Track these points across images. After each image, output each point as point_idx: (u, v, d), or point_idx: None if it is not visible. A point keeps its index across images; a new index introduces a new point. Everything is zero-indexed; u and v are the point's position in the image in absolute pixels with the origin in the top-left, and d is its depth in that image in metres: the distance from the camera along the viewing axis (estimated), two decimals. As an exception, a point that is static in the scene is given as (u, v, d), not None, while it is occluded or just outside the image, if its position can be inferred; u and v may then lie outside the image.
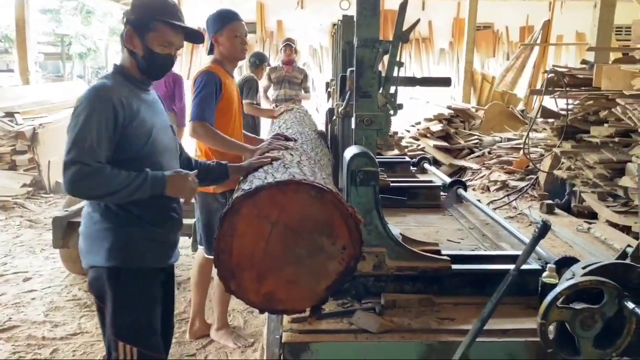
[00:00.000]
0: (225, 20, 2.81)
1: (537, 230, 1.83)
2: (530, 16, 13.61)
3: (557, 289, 1.99)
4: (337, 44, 3.77)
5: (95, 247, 1.88)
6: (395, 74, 2.60)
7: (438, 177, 4.60)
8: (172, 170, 1.91)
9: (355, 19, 2.54)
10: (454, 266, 2.50)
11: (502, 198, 5.08)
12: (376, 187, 2.48)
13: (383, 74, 2.58)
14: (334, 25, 4.89)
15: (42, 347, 3.03)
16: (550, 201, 4.60)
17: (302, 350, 2.15)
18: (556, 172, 4.56)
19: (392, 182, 3.94)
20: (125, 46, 1.92)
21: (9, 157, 6.35)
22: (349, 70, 2.69)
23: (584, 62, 4.60)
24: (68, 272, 4.04)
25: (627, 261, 2.15)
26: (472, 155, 6.70)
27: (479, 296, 2.19)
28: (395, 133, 7.10)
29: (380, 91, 2.58)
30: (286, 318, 2.34)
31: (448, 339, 2.12)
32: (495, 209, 4.86)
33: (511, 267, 2.57)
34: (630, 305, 1.92)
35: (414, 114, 8.02)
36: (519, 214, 5.06)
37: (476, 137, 7.05)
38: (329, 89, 4.28)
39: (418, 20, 2.62)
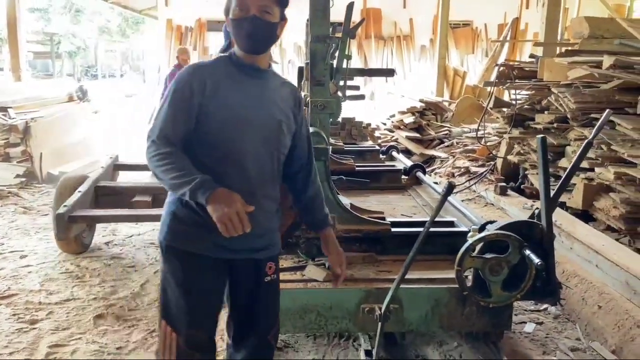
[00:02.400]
0: None
1: (444, 189, 2.24)
2: (508, 14, 14.07)
3: (469, 241, 2.42)
4: (306, 41, 4.15)
5: (162, 222, 1.87)
6: (344, 65, 3.02)
7: (403, 163, 5.03)
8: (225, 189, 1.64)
9: (309, 18, 2.95)
10: (394, 229, 2.94)
11: (463, 183, 5.51)
12: (327, 162, 2.92)
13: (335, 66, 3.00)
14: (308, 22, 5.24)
15: (39, 310, 3.41)
16: (503, 184, 5.06)
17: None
18: (509, 157, 4.99)
19: (358, 166, 4.37)
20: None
21: (2, 150, 6.69)
22: (304, 62, 3.09)
23: (531, 56, 5.03)
24: (60, 250, 4.42)
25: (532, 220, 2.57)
26: (441, 145, 7.13)
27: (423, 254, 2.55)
28: (369, 125, 7.52)
29: (332, 80, 2.99)
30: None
31: (383, 286, 2.55)
32: (456, 192, 5.32)
33: (442, 229, 3.04)
34: (530, 254, 2.34)
35: (390, 107, 8.46)
36: (477, 196, 5.52)
37: (446, 128, 7.48)
38: (299, 82, 4.69)
39: (363, 20, 3.05)
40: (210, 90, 1.73)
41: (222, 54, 1.88)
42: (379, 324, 2.43)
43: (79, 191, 4.25)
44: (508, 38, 9.18)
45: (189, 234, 1.79)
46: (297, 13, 12.14)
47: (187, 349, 1.81)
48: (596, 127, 2.56)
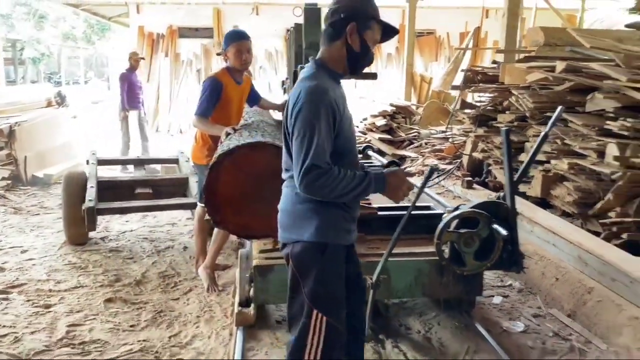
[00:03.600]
0: (231, 39, 3.61)
1: (426, 173, 2.65)
2: (469, 23, 14.76)
3: (447, 217, 2.84)
4: (290, 47, 4.51)
5: (304, 224, 2.00)
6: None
7: (378, 160, 5.45)
8: (388, 170, 2.02)
9: (303, 27, 3.33)
10: (380, 213, 3.34)
11: (433, 179, 5.96)
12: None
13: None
14: (288, 30, 5.61)
15: (51, 297, 3.67)
16: (470, 178, 5.54)
17: (269, 271, 2.93)
18: (474, 154, 5.48)
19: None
20: (344, 41, 1.98)
21: (-13, 154, 6.83)
22: (299, 66, 3.46)
23: (494, 62, 5.54)
24: (60, 245, 4.66)
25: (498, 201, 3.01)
26: (411, 146, 7.60)
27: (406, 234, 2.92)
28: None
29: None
30: (255, 250, 3.12)
31: (373, 260, 2.94)
32: (428, 186, 5.78)
33: (421, 212, 3.46)
34: (497, 227, 2.77)
35: (362, 111, 8.92)
36: (446, 190, 5.99)
37: (415, 130, 7.97)
38: (284, 86, 5.04)
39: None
40: (342, 108, 1.94)
41: (310, 70, 2.01)
42: (371, 292, 2.82)
43: (91, 186, 4.57)
44: (470, 45, 9.78)
45: (343, 229, 2.04)
46: (267, 22, 12.60)
47: (342, 331, 2.03)
48: (550, 121, 3.03)
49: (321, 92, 1.88)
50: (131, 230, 5.24)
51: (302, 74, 2.04)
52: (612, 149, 3.63)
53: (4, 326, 3.23)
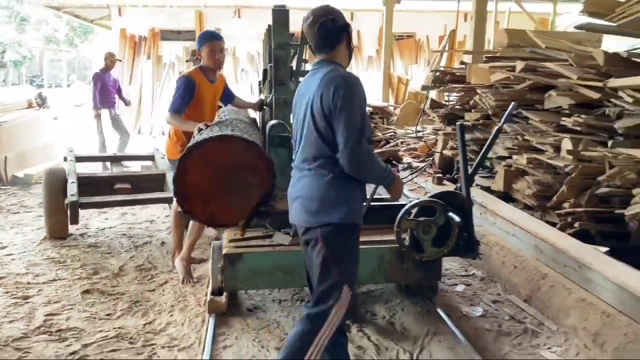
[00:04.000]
0: (205, 39, 3.75)
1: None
2: (448, 26, 15.05)
3: (406, 207, 3.02)
4: (265, 48, 4.66)
5: (334, 208, 2.21)
6: (302, 68, 3.58)
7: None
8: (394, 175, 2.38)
9: (272, 28, 3.49)
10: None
11: (406, 176, 6.15)
12: (290, 148, 3.46)
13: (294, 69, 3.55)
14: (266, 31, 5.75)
15: (29, 289, 3.78)
16: (440, 175, 5.73)
17: (237, 260, 3.08)
18: (445, 151, 5.68)
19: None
20: (346, 43, 2.35)
21: (-33, 153, 6.88)
22: (268, 65, 3.63)
23: (462, 63, 5.76)
24: (39, 241, 4.77)
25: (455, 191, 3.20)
26: (387, 145, 7.80)
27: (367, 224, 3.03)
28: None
29: (292, 80, 3.54)
30: (225, 239, 3.27)
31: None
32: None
33: (385, 204, 3.63)
34: (452, 215, 2.96)
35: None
36: (418, 187, 6.19)
37: (392, 130, 8.18)
38: (260, 86, 5.20)
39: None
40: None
41: (331, 65, 2.28)
42: (335, 278, 2.99)
43: (72, 181, 4.72)
44: (447, 48, 10.03)
45: (361, 212, 2.34)
46: (249, 25, 12.74)
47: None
48: (504, 116, 3.23)
49: (358, 80, 2.21)
50: (110, 227, 5.35)
51: (324, 70, 2.25)
52: (566, 144, 3.84)
53: (-17, 316, 3.34)
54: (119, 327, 3.26)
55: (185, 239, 4.08)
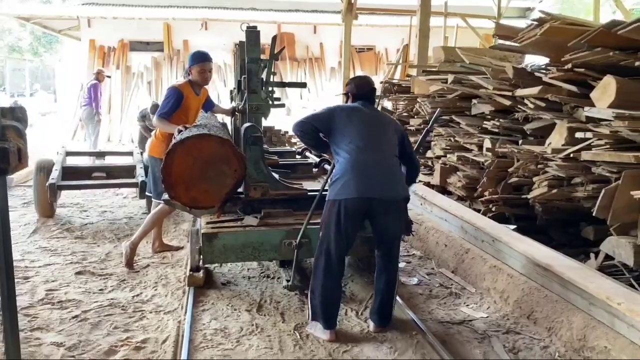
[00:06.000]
0: (196, 59, 4.33)
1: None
2: (405, 40, 16.00)
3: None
4: (236, 61, 5.22)
5: (405, 185, 3.32)
6: (271, 79, 4.25)
7: (313, 159, 6.28)
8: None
9: (245, 45, 4.12)
10: (309, 193, 4.15)
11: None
12: (262, 146, 4.10)
13: (264, 80, 4.20)
14: (236, 45, 6.33)
15: (27, 271, 4.31)
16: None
17: (213, 238, 3.70)
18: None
19: (281, 161, 5.57)
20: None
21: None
22: (242, 77, 4.25)
23: (407, 75, 6.54)
24: (29, 234, 5.29)
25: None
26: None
27: (319, 209, 3.65)
28: (287, 132, 8.79)
29: (263, 89, 4.21)
30: (203, 221, 3.91)
31: (297, 227, 3.74)
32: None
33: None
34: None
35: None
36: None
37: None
38: (232, 95, 5.82)
39: (283, 47, 4.31)
40: None
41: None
42: (295, 252, 3.66)
43: (56, 169, 5.67)
44: (400, 61, 10.87)
45: None
46: (215, 36, 13.42)
47: None
48: (432, 119, 3.97)
49: None
50: (92, 223, 5.89)
51: (371, 107, 3.43)
52: (487, 143, 4.62)
53: (-9, 292, 3.87)
54: (112, 299, 3.83)
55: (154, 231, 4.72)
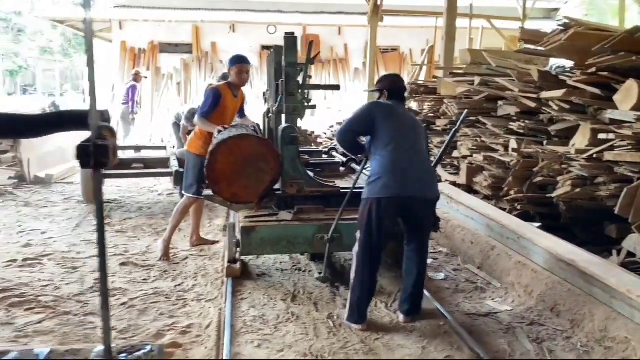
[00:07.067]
0: (235, 62, 4.58)
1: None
2: (430, 41, 16.08)
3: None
4: (270, 64, 5.38)
5: (437, 185, 3.52)
6: (307, 82, 4.46)
7: (339, 158, 6.49)
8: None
9: (284, 50, 4.31)
10: (342, 191, 4.35)
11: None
12: (298, 146, 4.30)
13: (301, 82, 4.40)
14: (266, 48, 6.58)
15: (75, 262, 4.59)
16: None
17: (252, 231, 3.93)
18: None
19: (311, 160, 5.79)
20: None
21: (-6, 156, 7.72)
22: (280, 80, 4.44)
23: (434, 77, 6.70)
24: (72, 228, 5.61)
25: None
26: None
27: (350, 206, 3.83)
28: (313, 132, 9.01)
29: (299, 92, 4.42)
30: (241, 216, 4.14)
31: (328, 223, 3.95)
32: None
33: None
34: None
35: (329, 120, 10.03)
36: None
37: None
38: (265, 96, 6.03)
39: (319, 52, 4.48)
40: None
41: None
42: (327, 246, 3.87)
43: None
44: (426, 62, 11.02)
45: None
46: (243, 38, 13.67)
47: None
48: (459, 121, 4.13)
49: None
50: (130, 219, 6.19)
51: (402, 107, 3.63)
52: (513, 143, 4.76)
53: (44, 280, 4.17)
54: (155, 288, 4.09)
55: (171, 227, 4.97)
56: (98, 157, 1.34)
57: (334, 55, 16.11)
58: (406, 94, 4.92)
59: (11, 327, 3.36)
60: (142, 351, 1.46)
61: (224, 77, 7.47)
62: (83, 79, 30.34)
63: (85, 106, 11.56)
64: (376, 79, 12.85)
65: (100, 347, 1.45)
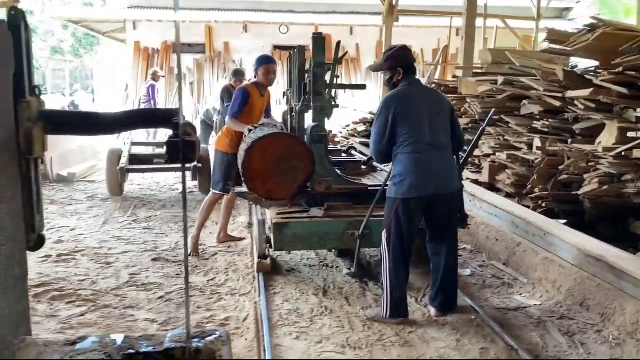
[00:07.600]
0: (262, 62, 4.70)
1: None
2: (441, 40, 16.15)
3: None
4: (294, 64, 5.46)
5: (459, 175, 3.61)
6: (334, 82, 4.54)
7: (359, 156, 6.57)
8: None
9: (312, 51, 4.38)
10: (369, 188, 4.43)
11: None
12: (326, 144, 4.38)
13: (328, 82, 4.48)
14: (278, 48, 6.64)
15: (109, 257, 4.70)
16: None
17: (284, 227, 4.02)
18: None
19: (333, 159, 5.87)
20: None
21: (18, 154, 7.83)
22: (307, 79, 4.52)
23: (454, 77, 6.78)
24: (100, 225, 5.72)
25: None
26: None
27: (378, 203, 3.88)
28: (331, 131, 9.10)
29: (327, 92, 4.50)
30: (273, 212, 4.23)
31: (358, 219, 4.02)
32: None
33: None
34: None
35: (344, 119, 10.11)
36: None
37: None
38: (286, 96, 6.10)
39: (346, 53, 4.56)
40: None
41: None
42: (358, 242, 3.95)
43: (124, 156, 6.88)
44: (440, 62, 11.09)
45: None
46: (256, 39, 13.81)
47: None
48: (486, 120, 4.21)
49: None
50: (156, 215, 6.30)
51: (420, 84, 3.70)
52: (536, 142, 4.83)
53: (81, 275, 4.28)
54: (189, 282, 4.19)
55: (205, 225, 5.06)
56: (186, 152, 1.43)
57: (345, 55, 16.17)
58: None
59: (56, 319, 3.47)
60: (213, 336, 1.55)
61: (236, 73, 7.59)
62: (92, 78, 30.59)
63: (94, 106, 11.93)
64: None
65: (172, 333, 1.54)
